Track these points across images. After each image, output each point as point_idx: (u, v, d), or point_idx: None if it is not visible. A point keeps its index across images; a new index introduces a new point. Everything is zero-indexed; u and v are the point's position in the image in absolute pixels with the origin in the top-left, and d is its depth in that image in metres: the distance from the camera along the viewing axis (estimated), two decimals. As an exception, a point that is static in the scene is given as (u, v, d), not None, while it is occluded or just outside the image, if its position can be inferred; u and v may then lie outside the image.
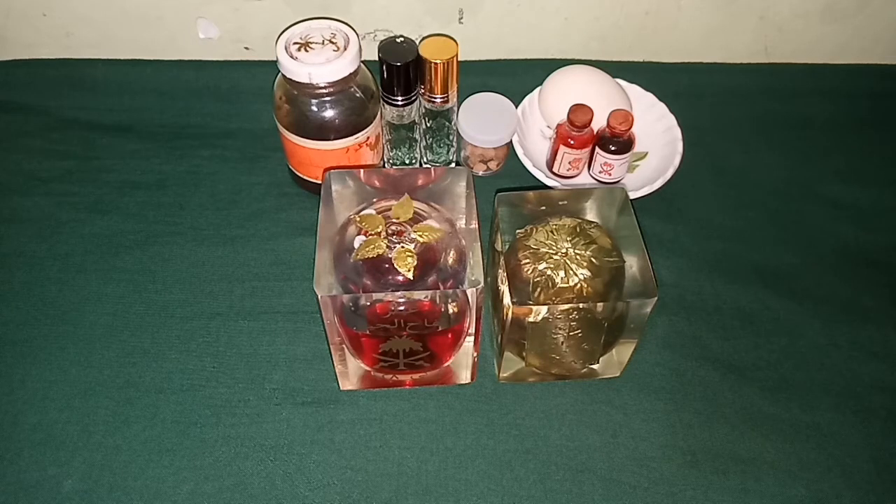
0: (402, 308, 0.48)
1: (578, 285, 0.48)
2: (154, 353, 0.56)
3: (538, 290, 0.49)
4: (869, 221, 0.66)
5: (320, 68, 0.56)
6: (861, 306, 0.60)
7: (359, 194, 0.52)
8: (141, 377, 0.55)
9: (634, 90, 0.70)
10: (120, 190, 0.66)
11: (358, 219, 0.49)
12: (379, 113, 0.62)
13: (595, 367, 0.55)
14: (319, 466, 0.51)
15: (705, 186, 0.68)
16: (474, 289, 0.46)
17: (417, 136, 0.66)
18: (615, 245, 0.51)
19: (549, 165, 0.67)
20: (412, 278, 0.47)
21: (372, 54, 0.59)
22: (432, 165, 0.68)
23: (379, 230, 0.48)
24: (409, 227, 0.48)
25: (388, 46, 0.58)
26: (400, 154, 0.66)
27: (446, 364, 0.54)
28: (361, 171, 0.54)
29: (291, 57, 0.56)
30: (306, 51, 0.57)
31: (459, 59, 0.60)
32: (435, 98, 0.61)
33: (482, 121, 0.65)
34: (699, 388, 0.56)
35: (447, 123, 0.64)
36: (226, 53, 0.75)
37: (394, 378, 0.54)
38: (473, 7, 0.71)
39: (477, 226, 0.49)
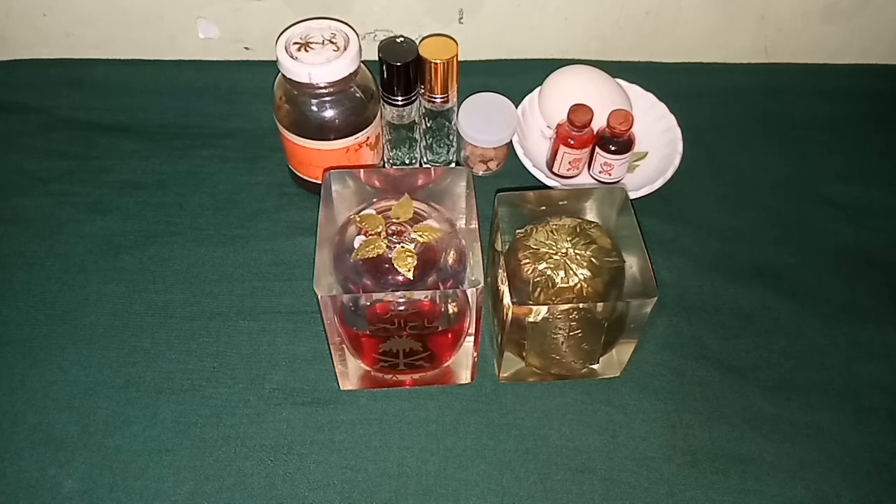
0: (402, 308, 0.48)
1: (578, 285, 0.48)
2: (154, 353, 0.56)
3: (538, 290, 0.49)
4: (869, 221, 0.66)
5: (320, 68, 0.56)
6: (861, 306, 0.60)
7: (359, 194, 0.52)
8: (141, 377, 0.55)
9: (634, 90, 0.70)
10: (120, 190, 0.66)
11: (358, 219, 0.49)
12: (379, 113, 0.62)
13: (595, 367, 0.55)
14: (319, 466, 0.51)
15: (705, 186, 0.68)
16: (474, 289, 0.46)
17: (417, 136, 0.66)
18: (615, 245, 0.51)
19: (549, 165, 0.67)
20: (412, 278, 0.47)
21: (372, 54, 0.59)
22: (432, 165, 0.68)
23: (379, 230, 0.48)
24: (409, 227, 0.48)
25: (388, 46, 0.58)
26: (400, 154, 0.66)
27: (446, 364, 0.54)
28: (361, 171, 0.53)
29: (291, 57, 0.56)
30: (306, 51, 0.57)
31: (459, 59, 0.60)
32: (435, 98, 0.61)
33: (482, 121, 0.65)
34: (699, 388, 0.56)
35: (447, 123, 0.64)
36: (226, 53, 0.75)
37: (394, 378, 0.54)
38: (473, 7, 0.71)
39: (477, 226, 0.49)
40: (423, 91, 0.61)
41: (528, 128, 0.69)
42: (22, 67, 0.75)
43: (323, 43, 0.58)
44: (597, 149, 0.64)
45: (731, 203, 0.67)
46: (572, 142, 0.63)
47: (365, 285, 0.47)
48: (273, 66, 0.58)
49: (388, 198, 0.50)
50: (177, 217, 0.65)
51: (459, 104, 0.65)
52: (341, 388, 0.55)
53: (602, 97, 0.65)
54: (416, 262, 0.47)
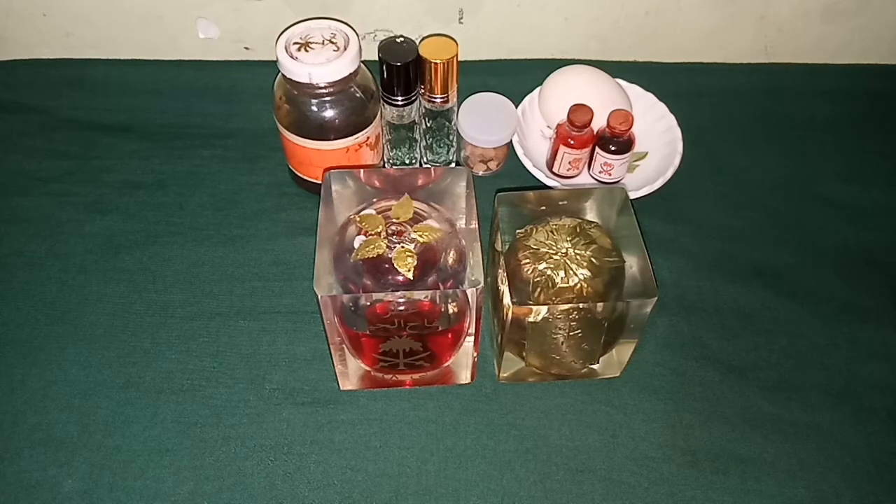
0: (402, 308, 0.48)
1: (578, 285, 0.48)
2: (154, 353, 0.56)
3: (538, 290, 0.49)
4: (869, 221, 0.66)
5: (320, 68, 0.56)
6: (861, 306, 0.60)
7: (359, 194, 0.52)
8: (141, 377, 0.55)
9: (634, 90, 0.70)
10: (120, 190, 0.66)
11: (358, 219, 0.49)
12: (379, 113, 0.62)
13: (595, 367, 0.55)
14: (319, 466, 0.51)
15: (705, 186, 0.68)
16: (474, 289, 0.46)
17: (417, 136, 0.66)
18: (615, 245, 0.51)
19: (549, 165, 0.67)
20: (412, 278, 0.47)
21: (372, 54, 0.59)
22: (432, 165, 0.68)
23: (379, 230, 0.48)
24: (409, 227, 0.48)
25: (388, 46, 0.58)
26: (400, 154, 0.66)
27: (446, 364, 0.54)
28: (361, 171, 0.54)
29: (291, 57, 0.56)
30: (306, 51, 0.57)
31: (459, 59, 0.60)
32: (435, 98, 0.61)
33: (482, 121, 0.65)
34: (699, 388, 0.56)
35: (447, 123, 0.64)
36: (226, 53, 0.75)
37: (394, 378, 0.54)
38: (473, 7, 0.71)
39: (477, 226, 0.49)
40: (423, 91, 0.61)
41: (528, 128, 0.69)
42: (22, 67, 0.75)
43: (323, 43, 0.58)
44: (597, 149, 0.64)
45: (731, 203, 0.67)
46: (572, 142, 0.63)
47: (365, 285, 0.47)
48: (273, 66, 0.58)
49: (388, 198, 0.50)
50: (177, 217, 0.65)
51: (459, 104, 0.65)
52: (341, 388, 0.55)
53: (602, 97, 0.65)
54: (416, 262, 0.47)
